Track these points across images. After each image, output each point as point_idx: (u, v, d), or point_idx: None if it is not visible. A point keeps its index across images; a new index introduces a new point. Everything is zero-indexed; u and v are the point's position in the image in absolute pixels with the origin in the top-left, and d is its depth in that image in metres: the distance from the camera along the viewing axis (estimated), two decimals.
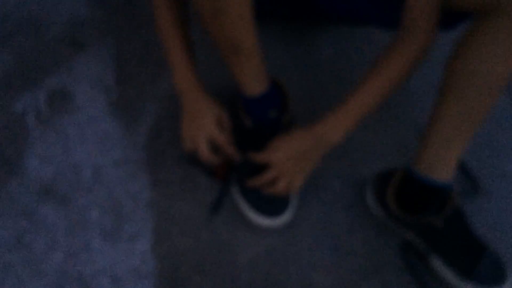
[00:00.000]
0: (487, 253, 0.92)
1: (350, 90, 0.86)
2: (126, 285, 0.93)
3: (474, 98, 0.82)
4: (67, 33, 1.14)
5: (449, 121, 0.85)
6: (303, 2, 1.01)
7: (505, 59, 0.77)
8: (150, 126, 1.06)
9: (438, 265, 0.94)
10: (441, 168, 0.89)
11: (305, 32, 1.16)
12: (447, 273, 0.93)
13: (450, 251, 0.92)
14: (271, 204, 0.96)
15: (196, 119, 0.92)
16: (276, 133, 0.95)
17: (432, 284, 0.96)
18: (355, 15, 0.97)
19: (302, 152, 0.89)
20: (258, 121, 0.95)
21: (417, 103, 1.15)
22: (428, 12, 0.82)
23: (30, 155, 1.02)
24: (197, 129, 0.91)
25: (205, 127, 0.91)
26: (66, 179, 1.00)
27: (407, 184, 0.93)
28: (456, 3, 0.80)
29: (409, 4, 0.82)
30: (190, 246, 0.97)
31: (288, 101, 1.00)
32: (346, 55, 1.16)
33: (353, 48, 1.16)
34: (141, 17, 1.20)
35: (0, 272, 0.91)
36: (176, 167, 1.03)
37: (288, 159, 0.89)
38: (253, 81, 0.90)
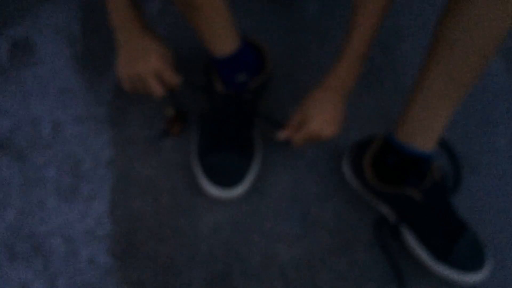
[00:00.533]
0: (466, 234, 0.85)
1: (345, 38, 0.79)
2: (78, 246, 0.89)
3: (461, 65, 0.74)
4: None
5: (435, 87, 0.77)
6: None
7: (489, 26, 0.69)
8: (115, 82, 1.00)
9: (412, 243, 0.88)
10: (423, 136, 0.81)
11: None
12: (421, 252, 0.87)
13: (426, 228, 0.86)
14: (226, 175, 0.90)
15: (138, 56, 0.84)
16: (242, 98, 0.89)
17: (404, 265, 0.89)
18: None
19: (332, 110, 0.83)
20: (228, 86, 0.88)
21: (403, 67, 1.06)
22: None
23: None
24: (142, 66, 0.83)
25: (151, 63, 0.83)
26: (24, 134, 0.96)
27: (386, 152, 0.86)
28: None
29: None
30: (149, 210, 0.92)
31: (268, 65, 0.92)
32: (330, 13, 1.08)
33: (338, 6, 1.07)
34: None
35: None
36: (140, 126, 0.97)
37: (324, 122, 0.83)
38: (219, 41, 0.83)
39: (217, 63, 0.86)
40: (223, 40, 0.83)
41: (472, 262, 0.84)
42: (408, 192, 0.83)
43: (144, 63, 0.83)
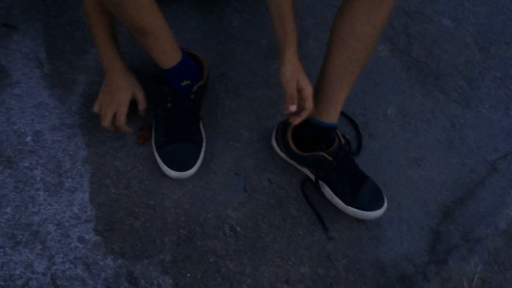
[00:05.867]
0: (367, 184, 1.14)
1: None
2: (69, 229, 1.10)
3: (350, 56, 1.02)
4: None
5: (333, 75, 1.05)
6: None
7: (370, 25, 0.96)
8: (81, 94, 1.21)
9: (329, 194, 1.16)
10: (327, 112, 1.09)
11: (215, 5, 1.32)
12: (336, 200, 1.15)
13: (336, 181, 1.13)
14: (181, 161, 1.14)
15: (112, 92, 1.10)
16: (187, 99, 1.13)
17: (325, 212, 1.17)
18: None
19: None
20: (173, 89, 1.12)
21: (310, 59, 1.34)
22: None
23: None
24: (110, 100, 1.09)
25: (116, 102, 1.09)
26: (10, 144, 1.15)
27: (303, 127, 1.12)
28: None
29: None
30: (123, 194, 1.15)
31: (205, 71, 1.17)
32: (251, 23, 1.33)
33: (259, 15, 1.32)
34: None
35: None
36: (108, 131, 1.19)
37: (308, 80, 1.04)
38: (164, 57, 1.08)
39: (165, 72, 1.10)
40: (168, 55, 1.07)
41: (373, 204, 1.13)
42: (321, 155, 1.10)
43: (112, 98, 1.09)
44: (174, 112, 1.14)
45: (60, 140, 1.17)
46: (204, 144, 1.18)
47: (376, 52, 1.36)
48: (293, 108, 1.00)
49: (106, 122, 1.10)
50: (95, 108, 1.13)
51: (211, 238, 1.13)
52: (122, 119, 1.11)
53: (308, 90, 1.01)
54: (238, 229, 1.15)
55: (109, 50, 1.09)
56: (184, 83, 1.12)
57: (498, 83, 1.38)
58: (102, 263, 1.08)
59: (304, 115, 1.02)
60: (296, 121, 1.03)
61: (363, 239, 1.18)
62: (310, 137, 1.12)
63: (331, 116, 1.09)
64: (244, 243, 1.14)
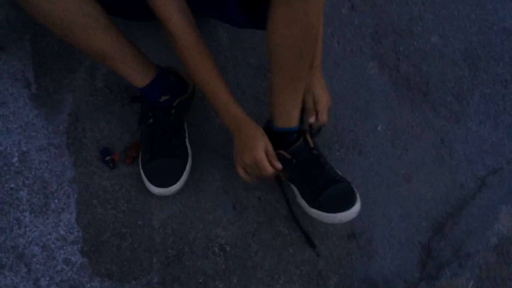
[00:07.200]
0: (336, 186, 1.07)
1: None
2: (55, 251, 1.09)
3: (287, 64, 0.97)
4: None
5: (277, 84, 1.02)
6: None
7: (298, 33, 0.90)
8: (68, 113, 1.20)
9: (297, 196, 1.13)
10: (279, 118, 1.06)
11: (205, 22, 1.32)
12: (300, 201, 1.12)
13: (299, 180, 1.11)
14: (163, 177, 1.12)
15: (247, 146, 1.03)
16: (168, 114, 1.11)
17: (312, 229, 1.16)
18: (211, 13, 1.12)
19: (323, 82, 1.14)
20: (150, 105, 1.11)
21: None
22: None
23: None
24: (248, 154, 1.03)
25: (255, 152, 1.02)
26: None
27: (268, 133, 1.07)
28: None
29: None
30: (111, 214, 1.13)
31: (189, 87, 1.16)
32: (240, 40, 1.33)
33: (247, 34, 1.33)
34: None
35: None
36: (94, 148, 1.19)
37: (325, 92, 1.14)
38: (135, 77, 1.06)
39: (140, 90, 1.09)
40: (139, 75, 1.06)
41: (340, 205, 1.05)
42: (280, 153, 1.06)
43: (250, 155, 1.02)
44: (155, 128, 1.12)
45: (47, 160, 1.16)
46: (189, 160, 1.17)
47: (365, 69, 1.37)
48: (311, 120, 1.12)
49: (269, 169, 1.03)
50: (240, 172, 1.08)
51: (200, 258, 1.12)
52: (268, 166, 1.04)
53: (322, 103, 1.10)
54: (228, 248, 1.14)
55: (233, 105, 1.03)
56: (163, 98, 1.10)
57: (487, 99, 1.38)
58: (88, 285, 1.07)
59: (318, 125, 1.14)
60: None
61: (353, 256, 1.16)
62: (274, 143, 1.07)
63: (286, 121, 1.07)
64: (233, 262, 1.12)
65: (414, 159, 1.28)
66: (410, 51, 1.41)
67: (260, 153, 1.01)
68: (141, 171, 1.14)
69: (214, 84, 1.01)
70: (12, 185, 1.13)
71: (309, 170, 1.09)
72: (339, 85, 1.34)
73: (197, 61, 1.00)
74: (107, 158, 1.17)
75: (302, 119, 1.11)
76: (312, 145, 1.10)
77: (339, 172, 1.12)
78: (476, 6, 1.49)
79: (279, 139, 1.08)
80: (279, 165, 1.04)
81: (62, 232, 1.11)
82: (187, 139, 1.19)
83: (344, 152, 1.27)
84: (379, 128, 1.31)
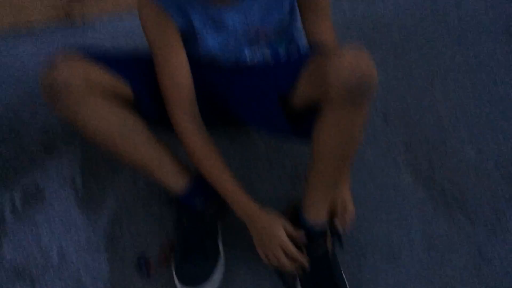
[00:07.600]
0: None
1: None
2: None
3: (329, 166, 1.02)
4: (41, 140, 1.38)
5: (318, 183, 1.06)
6: (219, 111, 1.22)
7: (343, 138, 0.96)
8: (109, 214, 1.26)
9: None
10: (311, 209, 1.10)
11: (240, 131, 1.40)
12: None
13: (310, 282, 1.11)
14: (193, 276, 1.13)
15: (266, 235, 1.09)
16: (202, 216, 1.15)
17: None
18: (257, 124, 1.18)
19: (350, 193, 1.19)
20: (185, 208, 1.16)
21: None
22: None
23: (7, 242, 1.21)
24: (269, 242, 1.08)
25: (276, 239, 1.07)
26: (35, 261, 1.19)
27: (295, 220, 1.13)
28: (297, 103, 1.02)
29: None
30: None
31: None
32: (277, 145, 1.40)
33: (287, 142, 1.39)
34: None
35: None
36: (132, 250, 1.22)
37: (350, 201, 1.18)
38: (171, 183, 1.13)
39: (175, 195, 1.14)
40: (174, 181, 1.12)
41: None
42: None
43: (271, 238, 1.08)
44: (189, 230, 1.15)
45: (84, 257, 1.19)
46: (221, 260, 1.18)
47: (398, 178, 1.39)
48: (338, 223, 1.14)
49: (288, 265, 1.09)
50: (266, 261, 1.12)
51: None
52: (294, 249, 1.08)
53: (347, 213, 1.14)
54: None
55: (242, 195, 1.09)
56: (198, 201, 1.14)
57: None
58: None
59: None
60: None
61: None
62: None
63: (314, 213, 1.10)
64: None
65: (451, 272, 1.25)
66: (444, 162, 1.43)
67: (282, 235, 1.07)
68: (173, 271, 1.15)
69: (223, 173, 1.09)
70: (49, 280, 1.15)
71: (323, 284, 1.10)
72: (374, 193, 1.36)
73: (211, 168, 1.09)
74: (142, 266, 1.19)
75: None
76: (330, 250, 1.13)
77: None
78: (509, 118, 1.53)
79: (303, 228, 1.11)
80: (304, 238, 1.09)
81: None
82: (219, 239, 1.21)
83: (379, 258, 1.25)
84: (415, 235, 1.29)
